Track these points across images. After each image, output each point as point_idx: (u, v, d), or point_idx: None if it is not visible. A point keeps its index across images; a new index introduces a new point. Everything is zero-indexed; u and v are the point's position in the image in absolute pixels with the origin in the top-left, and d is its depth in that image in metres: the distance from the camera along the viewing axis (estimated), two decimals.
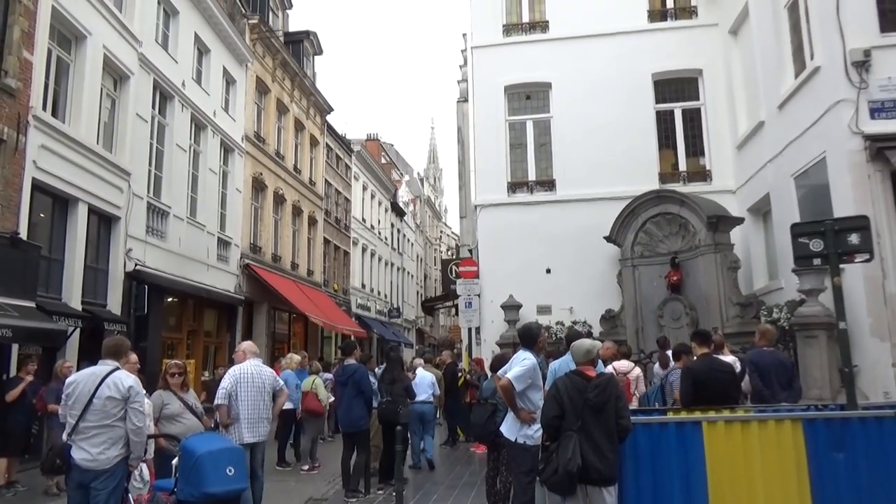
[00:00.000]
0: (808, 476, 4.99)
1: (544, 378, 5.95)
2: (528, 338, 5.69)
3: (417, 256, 49.71)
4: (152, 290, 14.13)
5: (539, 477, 4.78)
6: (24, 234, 10.44)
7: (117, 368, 4.95)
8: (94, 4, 12.45)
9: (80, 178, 11.97)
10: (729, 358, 7.41)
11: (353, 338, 24.04)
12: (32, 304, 10.15)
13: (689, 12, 14.72)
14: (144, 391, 5.24)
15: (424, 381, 10.23)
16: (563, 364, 7.39)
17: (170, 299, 16.03)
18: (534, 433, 5.22)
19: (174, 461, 4.97)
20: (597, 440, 4.53)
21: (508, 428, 5.40)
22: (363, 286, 33.43)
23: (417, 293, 47.98)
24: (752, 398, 7.11)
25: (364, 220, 34.18)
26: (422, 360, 11.52)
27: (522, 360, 5.39)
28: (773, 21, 11.56)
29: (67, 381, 5.02)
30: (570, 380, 4.81)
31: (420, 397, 9.73)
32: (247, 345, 6.81)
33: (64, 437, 4.88)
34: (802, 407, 6.00)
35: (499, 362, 7.49)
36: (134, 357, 5.80)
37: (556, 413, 4.69)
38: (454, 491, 8.37)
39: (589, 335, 12.16)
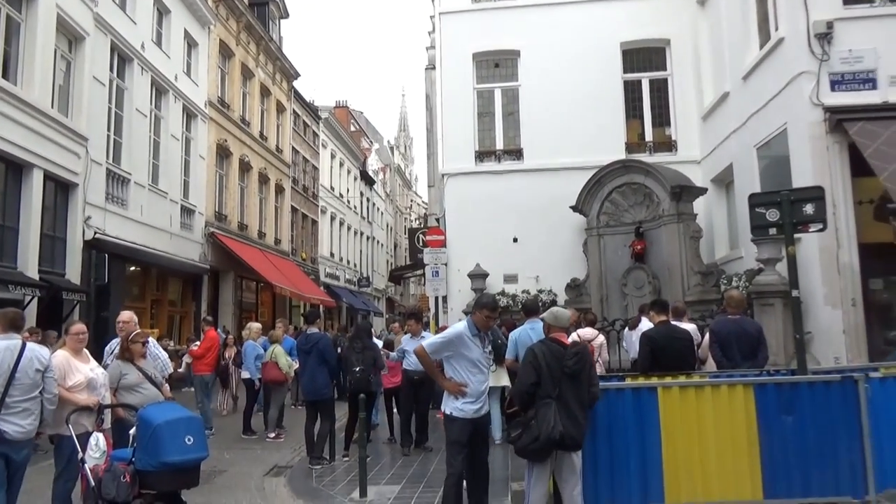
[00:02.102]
0: (758, 438, 5.16)
1: None
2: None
3: (387, 225, 49.52)
4: (113, 259, 13.87)
5: (514, 444, 4.76)
6: None
7: (23, 341, 5.00)
8: None
9: (35, 143, 11.59)
10: (689, 326, 7.54)
11: (320, 307, 23.98)
12: None
13: None
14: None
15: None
16: (523, 333, 7.48)
17: (132, 268, 15.76)
18: (461, 405, 5.02)
19: (132, 431, 4.91)
20: (571, 407, 4.59)
21: (444, 400, 5.28)
22: (332, 255, 33.25)
23: (387, 262, 47.94)
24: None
25: (333, 188, 33.84)
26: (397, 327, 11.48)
27: (446, 330, 5.48)
28: None
29: None
30: (546, 347, 4.80)
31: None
32: None
33: None
34: (755, 372, 6.15)
35: None
36: (78, 328, 5.69)
37: (534, 380, 4.68)
38: (419, 456, 8.48)
39: (553, 303, 12.31)
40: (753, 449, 5.15)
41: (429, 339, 5.29)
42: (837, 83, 9.36)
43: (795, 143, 9.75)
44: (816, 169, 9.15)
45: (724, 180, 12.96)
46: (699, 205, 12.62)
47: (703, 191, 12.62)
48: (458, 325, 5.26)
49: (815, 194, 6.11)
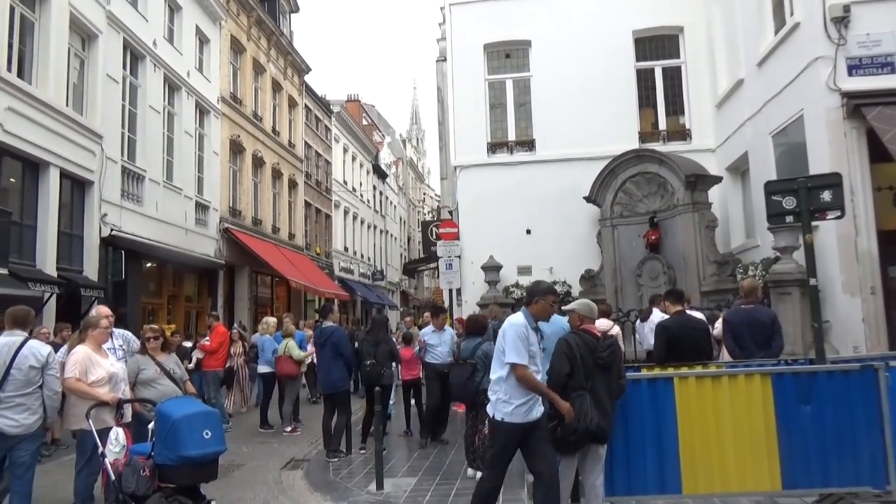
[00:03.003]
0: (776, 428, 5.11)
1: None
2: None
3: (401, 218, 49.56)
4: (130, 256, 13.98)
5: (553, 436, 4.67)
6: None
7: (28, 338, 5.21)
8: None
9: (51, 141, 11.69)
10: (696, 314, 7.48)
11: (335, 301, 24.09)
12: (5, 271, 9.99)
13: None
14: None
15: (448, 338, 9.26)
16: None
17: (148, 264, 15.89)
18: (512, 409, 4.53)
19: (150, 425, 4.96)
20: (602, 399, 4.64)
21: (491, 404, 4.69)
22: (346, 249, 33.35)
23: (401, 255, 47.99)
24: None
25: (345, 182, 33.89)
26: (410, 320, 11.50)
27: (511, 329, 4.64)
28: None
29: None
30: (580, 338, 4.82)
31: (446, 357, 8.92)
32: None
33: None
34: (773, 362, 6.09)
35: (474, 326, 7.47)
36: (105, 322, 5.73)
37: (568, 371, 4.68)
38: (434, 449, 8.50)
39: (568, 294, 12.28)
40: (771, 439, 5.09)
41: (508, 347, 4.51)
42: (855, 68, 9.21)
43: (812, 129, 9.62)
44: (834, 155, 9.02)
45: (740, 168, 12.83)
46: (714, 194, 12.50)
47: (717, 179, 12.50)
48: (517, 319, 4.69)
49: (833, 181, 6.03)
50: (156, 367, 6.07)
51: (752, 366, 5.82)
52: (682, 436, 5.13)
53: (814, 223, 6.26)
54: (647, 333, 8.75)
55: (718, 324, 7.30)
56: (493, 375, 4.71)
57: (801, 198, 5.88)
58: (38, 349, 5.18)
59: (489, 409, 4.73)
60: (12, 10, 11.11)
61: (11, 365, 5.03)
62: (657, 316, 8.24)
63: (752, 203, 11.90)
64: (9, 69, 10.88)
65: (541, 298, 4.77)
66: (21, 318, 5.34)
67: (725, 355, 7.05)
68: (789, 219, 6.11)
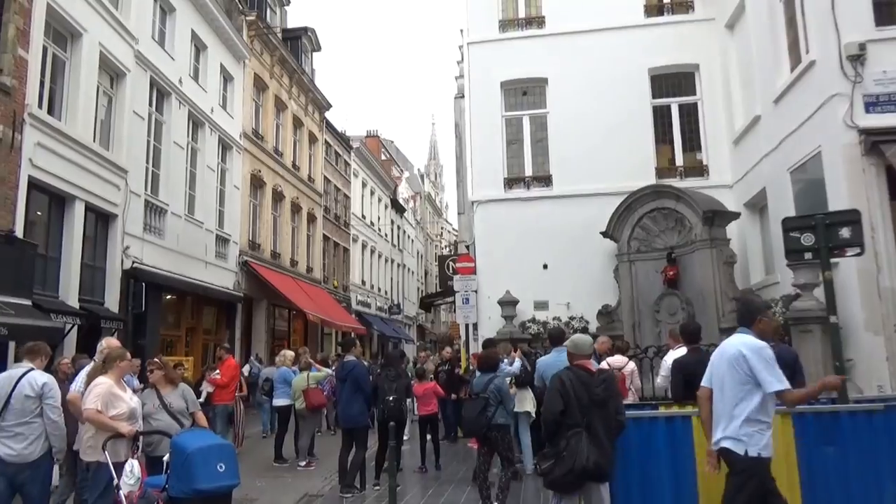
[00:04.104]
0: (798, 470, 5.00)
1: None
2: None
3: (418, 253, 49.72)
4: (150, 288, 14.16)
5: (546, 477, 4.64)
6: (20, 233, 10.45)
7: (32, 369, 5.39)
8: (89, 2, 12.44)
9: (77, 175, 11.98)
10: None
11: (352, 334, 24.07)
12: (29, 302, 10.16)
13: (686, 7, 14.68)
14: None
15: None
16: (551, 362, 7.41)
17: (168, 297, 16.07)
18: (766, 442, 4.14)
19: (165, 458, 4.96)
20: (599, 437, 4.52)
21: (735, 441, 4.11)
22: (363, 283, 33.46)
23: (418, 289, 48.01)
24: None
25: (364, 216, 34.19)
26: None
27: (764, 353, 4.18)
28: (768, 15, 11.53)
29: None
30: (574, 374, 4.75)
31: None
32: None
33: None
34: None
35: (487, 361, 7.44)
36: (129, 356, 5.80)
37: (561, 408, 4.62)
38: (449, 486, 8.40)
39: (585, 330, 12.18)
40: (793, 481, 4.98)
41: (767, 372, 4.05)
42: (872, 105, 9.20)
43: (830, 165, 9.59)
44: (852, 192, 8.97)
45: (758, 205, 12.77)
46: (732, 230, 12.43)
47: (736, 215, 12.44)
48: (753, 341, 4.19)
49: (852, 217, 6.01)
50: (156, 400, 5.99)
51: None
52: (701, 475, 5.02)
53: (834, 260, 6.21)
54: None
55: None
56: (735, 409, 4.13)
57: (819, 234, 5.86)
58: (34, 379, 5.32)
59: (734, 446, 4.08)
60: (45, 49, 11.52)
61: (11, 395, 5.22)
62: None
63: (771, 239, 11.81)
64: (40, 106, 11.24)
65: (763, 316, 4.34)
66: (29, 350, 5.58)
67: None
68: (808, 255, 6.08)
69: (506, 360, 8.77)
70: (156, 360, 6.43)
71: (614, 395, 4.68)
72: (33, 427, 5.23)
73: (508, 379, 8.09)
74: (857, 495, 4.96)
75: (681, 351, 8.00)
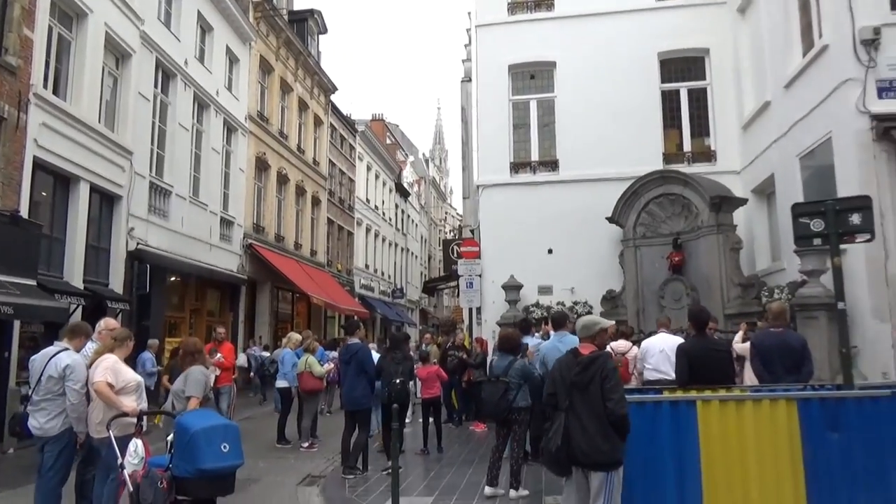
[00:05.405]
0: (802, 455, 4.97)
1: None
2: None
3: (422, 237, 49.71)
4: (154, 270, 14.18)
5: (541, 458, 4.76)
6: (24, 213, 10.47)
7: (64, 349, 5.63)
8: None
9: (82, 156, 11.97)
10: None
11: (356, 318, 24.13)
12: (33, 283, 10.20)
13: None
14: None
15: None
16: (551, 347, 7.34)
17: (172, 279, 16.11)
18: None
19: (169, 437, 4.97)
20: (584, 422, 4.38)
21: None
22: (367, 267, 33.49)
23: (421, 274, 48.05)
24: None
25: (368, 200, 34.14)
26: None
27: None
28: None
29: (31, 358, 5.86)
30: (565, 357, 4.77)
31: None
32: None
33: (22, 407, 5.78)
34: (798, 387, 5.95)
35: (507, 343, 7.34)
36: (125, 334, 5.85)
37: (551, 391, 4.68)
38: (452, 468, 8.41)
39: (589, 315, 12.14)
40: (797, 467, 4.96)
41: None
42: (885, 90, 9.06)
43: (840, 152, 9.48)
44: (863, 178, 8.87)
45: (766, 191, 12.67)
46: (739, 216, 12.34)
47: (743, 201, 12.34)
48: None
49: (862, 204, 5.92)
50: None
51: (777, 390, 5.68)
52: (705, 460, 5.01)
53: (842, 246, 6.14)
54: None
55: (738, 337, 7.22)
56: None
57: (829, 220, 5.78)
58: (60, 361, 5.54)
59: None
60: (50, 29, 11.46)
61: (42, 373, 5.53)
62: (660, 338, 8.10)
63: (778, 226, 11.73)
64: (45, 86, 11.20)
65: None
66: (70, 330, 5.93)
67: (747, 376, 6.91)
68: (817, 241, 6.00)
69: (537, 335, 8.81)
70: (191, 340, 6.60)
71: (597, 378, 4.40)
72: (56, 404, 5.49)
73: (535, 351, 7.99)
74: (862, 481, 4.93)
75: (661, 336, 8.04)
